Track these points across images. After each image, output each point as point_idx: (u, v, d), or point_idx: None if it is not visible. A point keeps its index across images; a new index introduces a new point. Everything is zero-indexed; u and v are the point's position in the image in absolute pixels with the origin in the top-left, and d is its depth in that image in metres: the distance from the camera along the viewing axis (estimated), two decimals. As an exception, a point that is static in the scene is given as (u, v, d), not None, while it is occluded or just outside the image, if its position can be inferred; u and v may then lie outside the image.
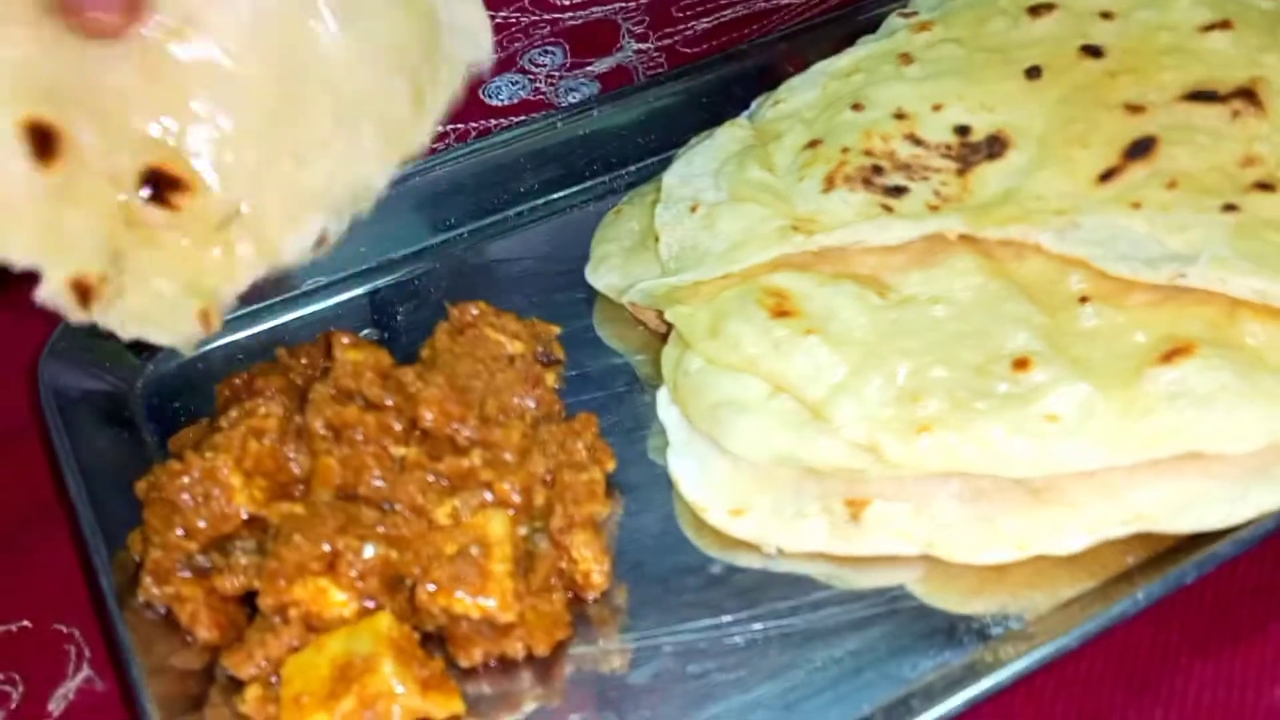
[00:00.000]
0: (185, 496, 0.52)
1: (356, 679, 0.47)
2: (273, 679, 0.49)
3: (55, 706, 0.53)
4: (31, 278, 0.76)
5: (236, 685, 0.50)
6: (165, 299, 0.48)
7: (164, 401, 0.67)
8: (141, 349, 0.69)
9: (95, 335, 0.67)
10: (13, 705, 0.53)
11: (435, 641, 0.52)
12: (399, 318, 0.70)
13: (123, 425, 0.66)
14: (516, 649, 0.50)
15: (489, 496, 0.52)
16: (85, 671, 0.54)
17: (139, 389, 0.68)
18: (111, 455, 0.63)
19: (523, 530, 0.52)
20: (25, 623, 0.57)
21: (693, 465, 0.58)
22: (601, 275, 0.70)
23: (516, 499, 0.52)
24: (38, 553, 0.60)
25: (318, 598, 0.49)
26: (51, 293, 0.45)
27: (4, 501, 0.63)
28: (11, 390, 0.69)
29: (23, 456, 0.65)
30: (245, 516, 0.53)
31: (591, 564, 0.52)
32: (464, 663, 0.50)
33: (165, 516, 0.53)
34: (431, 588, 0.50)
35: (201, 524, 0.52)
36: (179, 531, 0.52)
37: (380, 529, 0.51)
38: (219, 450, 0.53)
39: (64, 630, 0.56)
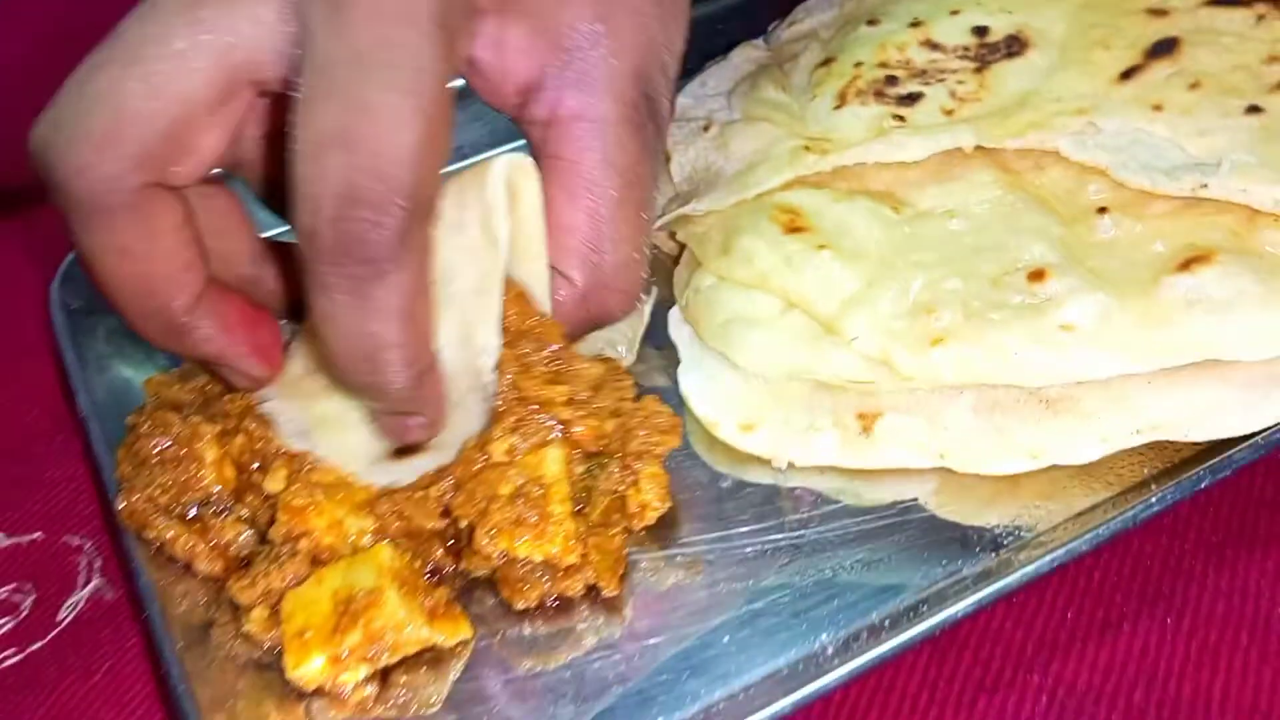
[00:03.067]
0: (156, 458, 0.51)
1: (361, 612, 0.46)
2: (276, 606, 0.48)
3: (65, 615, 0.53)
4: (40, 202, 0.77)
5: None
6: None
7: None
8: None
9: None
10: (23, 614, 0.53)
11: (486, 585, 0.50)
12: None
13: (134, 349, 0.66)
14: (576, 589, 0.49)
15: (556, 434, 0.49)
16: (95, 581, 0.54)
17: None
18: (122, 376, 0.63)
19: (579, 469, 0.50)
20: (36, 535, 0.57)
21: (703, 382, 0.57)
22: (615, 197, 0.69)
23: (584, 433, 0.50)
24: (49, 468, 0.60)
25: (332, 529, 0.49)
26: None
27: (16, 417, 0.63)
28: (24, 311, 0.69)
29: (35, 375, 0.65)
30: (214, 490, 0.52)
31: (653, 498, 0.50)
32: (520, 605, 0.49)
33: (136, 467, 0.52)
34: (491, 532, 0.48)
35: (169, 484, 0.51)
36: (150, 484, 0.51)
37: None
38: (204, 423, 0.52)
39: (75, 543, 0.56)
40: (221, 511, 0.52)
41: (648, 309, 0.57)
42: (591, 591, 0.49)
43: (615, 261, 0.50)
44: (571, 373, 0.51)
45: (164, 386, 0.56)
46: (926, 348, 0.53)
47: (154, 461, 0.52)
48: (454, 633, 0.48)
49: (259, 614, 0.48)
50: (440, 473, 0.50)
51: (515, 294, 0.51)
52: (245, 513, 0.52)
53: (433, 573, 0.50)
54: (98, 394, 0.60)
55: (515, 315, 0.51)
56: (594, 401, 0.50)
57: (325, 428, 0.52)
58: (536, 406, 0.50)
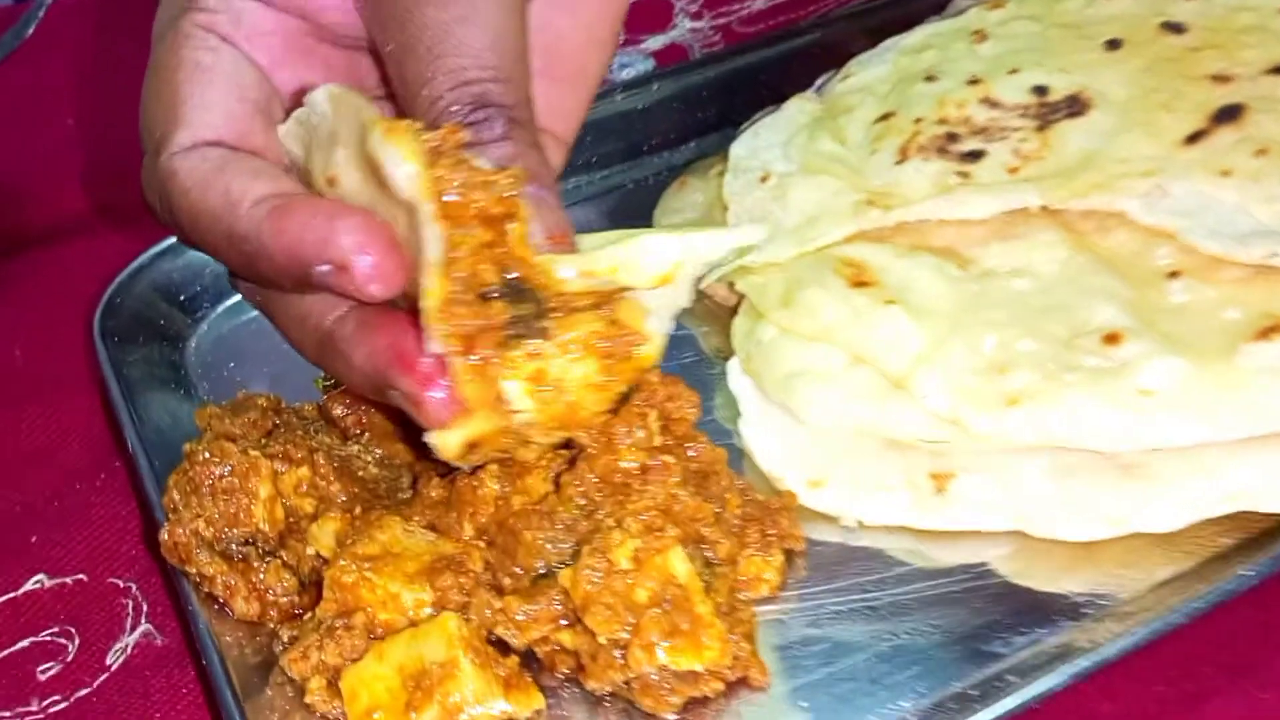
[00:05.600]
0: (208, 488, 0.50)
1: (435, 686, 0.44)
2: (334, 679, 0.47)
3: (113, 660, 0.52)
4: (79, 234, 0.76)
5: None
6: None
7: (216, 360, 0.66)
8: (192, 309, 0.68)
9: (149, 292, 0.68)
10: (68, 658, 0.52)
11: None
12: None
13: (177, 382, 0.65)
14: (719, 688, 0.46)
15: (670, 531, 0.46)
16: (144, 625, 0.53)
17: (191, 348, 0.67)
18: (167, 411, 0.61)
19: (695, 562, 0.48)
20: (80, 576, 0.55)
21: (767, 436, 0.56)
22: (666, 247, 0.69)
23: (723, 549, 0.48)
24: (93, 506, 0.58)
25: (388, 603, 0.47)
26: None
27: (57, 453, 0.61)
28: (65, 344, 0.67)
29: (77, 409, 0.64)
30: (262, 527, 0.50)
31: (775, 578, 0.49)
32: (667, 714, 0.46)
33: (186, 495, 0.51)
34: (658, 646, 0.45)
35: (216, 516, 0.50)
36: (198, 516, 0.50)
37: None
38: (262, 457, 0.50)
39: (120, 584, 0.55)
40: (265, 554, 0.51)
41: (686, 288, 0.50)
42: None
43: None
44: (720, 489, 0.50)
45: (215, 419, 0.55)
46: (1001, 407, 0.52)
47: (205, 491, 0.50)
48: (528, 703, 0.46)
49: (316, 684, 0.46)
50: (545, 588, 0.47)
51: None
52: (289, 558, 0.50)
53: (493, 640, 0.48)
54: (144, 427, 0.59)
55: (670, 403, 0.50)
56: (727, 507, 0.49)
57: None
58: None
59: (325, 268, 0.41)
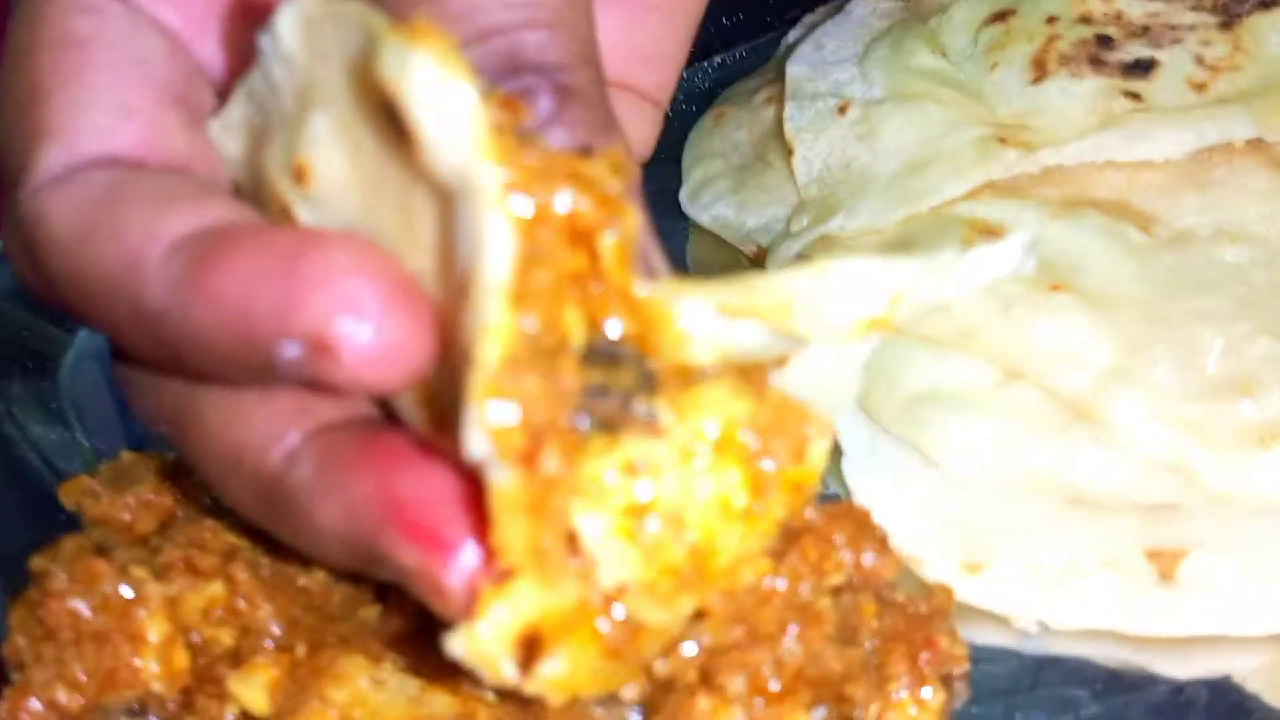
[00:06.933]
0: (69, 633, 0.33)
1: None
2: None
3: None
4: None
5: None
6: None
7: (104, 384, 0.49)
8: (68, 315, 0.51)
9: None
10: None
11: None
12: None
13: (47, 421, 0.47)
14: None
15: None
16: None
17: (66, 367, 0.49)
18: (31, 470, 0.44)
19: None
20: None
21: (889, 491, 0.39)
22: (706, 205, 0.52)
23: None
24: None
25: None
26: None
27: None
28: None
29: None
30: (155, 688, 0.33)
31: None
32: None
33: (38, 644, 0.33)
34: None
35: (83, 677, 0.33)
36: (56, 677, 0.32)
37: None
38: (150, 578, 0.33)
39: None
40: None
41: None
42: None
43: None
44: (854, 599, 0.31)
45: (88, 499, 0.37)
46: (1248, 447, 0.36)
47: (66, 638, 0.33)
48: None
49: None
50: None
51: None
52: None
53: None
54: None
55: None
56: (861, 622, 0.32)
57: None
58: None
59: (292, 347, 0.24)
